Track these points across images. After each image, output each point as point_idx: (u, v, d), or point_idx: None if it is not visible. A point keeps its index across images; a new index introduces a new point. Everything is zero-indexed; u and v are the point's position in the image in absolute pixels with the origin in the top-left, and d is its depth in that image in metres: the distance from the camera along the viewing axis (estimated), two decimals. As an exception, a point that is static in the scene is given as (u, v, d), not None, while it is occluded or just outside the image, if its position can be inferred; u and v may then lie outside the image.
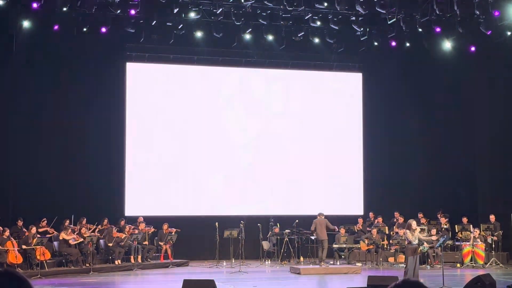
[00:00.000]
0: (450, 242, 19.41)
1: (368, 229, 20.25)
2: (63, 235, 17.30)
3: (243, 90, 21.40)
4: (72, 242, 17.19)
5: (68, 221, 17.95)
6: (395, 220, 20.78)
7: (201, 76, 21.11)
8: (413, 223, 13.91)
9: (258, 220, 20.55)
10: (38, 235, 16.68)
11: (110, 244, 18.14)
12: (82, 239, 17.39)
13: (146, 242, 18.82)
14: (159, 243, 19.30)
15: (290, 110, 21.75)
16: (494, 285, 11.19)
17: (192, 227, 20.51)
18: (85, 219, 18.35)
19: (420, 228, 17.09)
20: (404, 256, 16.59)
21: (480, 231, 19.24)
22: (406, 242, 14.02)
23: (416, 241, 13.67)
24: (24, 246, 16.38)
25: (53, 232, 17.84)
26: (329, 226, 18.74)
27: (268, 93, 21.60)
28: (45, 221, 17.68)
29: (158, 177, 20.44)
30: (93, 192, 19.56)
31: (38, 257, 16.31)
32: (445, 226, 20.10)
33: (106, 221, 18.85)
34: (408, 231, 13.76)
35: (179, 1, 17.65)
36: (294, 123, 21.77)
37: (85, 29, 18.38)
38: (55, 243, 17.56)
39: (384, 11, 18.08)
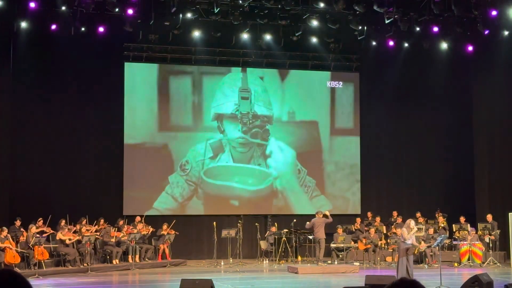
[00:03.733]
0: (447, 241, 19.42)
1: (366, 228, 20.25)
2: (59, 235, 17.27)
3: (242, 90, 21.35)
4: (68, 242, 17.16)
5: (64, 221, 17.89)
6: (393, 219, 20.78)
7: (199, 75, 21.10)
8: (412, 223, 13.94)
9: (256, 219, 20.56)
10: (37, 235, 16.65)
11: (109, 243, 18.12)
12: (79, 237, 17.35)
13: (146, 230, 18.76)
14: (164, 231, 19.12)
15: (288, 110, 21.73)
16: (491, 285, 11.22)
17: (189, 227, 20.52)
18: (85, 220, 18.32)
19: (417, 228, 17.10)
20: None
21: (477, 231, 19.27)
22: (400, 240, 14.00)
23: (410, 241, 13.67)
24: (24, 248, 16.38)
25: (50, 231, 17.80)
26: (328, 221, 18.66)
27: (266, 93, 21.58)
28: (41, 221, 17.63)
29: (157, 177, 20.42)
30: (92, 192, 19.56)
31: (36, 256, 16.28)
32: (442, 225, 20.13)
33: (102, 221, 18.81)
34: (405, 229, 13.77)
35: (176, 1, 17.63)
36: (292, 123, 21.76)
37: (82, 29, 18.37)
38: (53, 243, 17.51)
39: (381, 11, 18.07)
